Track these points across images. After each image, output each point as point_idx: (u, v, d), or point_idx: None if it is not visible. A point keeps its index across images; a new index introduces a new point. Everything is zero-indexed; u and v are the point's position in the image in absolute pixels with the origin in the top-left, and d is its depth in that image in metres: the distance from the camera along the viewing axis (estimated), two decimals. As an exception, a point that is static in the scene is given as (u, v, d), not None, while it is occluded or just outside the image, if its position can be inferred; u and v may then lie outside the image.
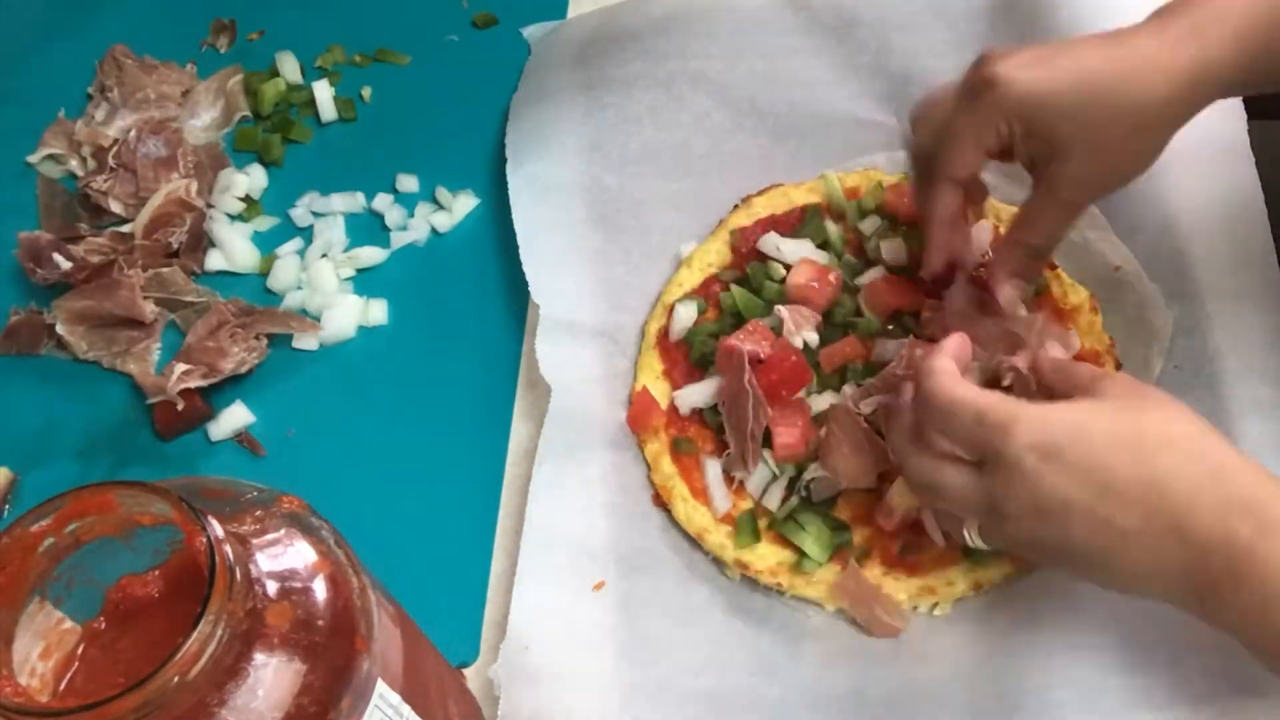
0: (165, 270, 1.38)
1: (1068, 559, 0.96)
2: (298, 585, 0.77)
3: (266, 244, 1.44)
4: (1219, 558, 0.89)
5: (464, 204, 1.44)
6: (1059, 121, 1.06)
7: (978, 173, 1.15)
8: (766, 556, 1.16)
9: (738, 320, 1.25)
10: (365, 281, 1.41)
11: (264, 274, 1.42)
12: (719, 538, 1.17)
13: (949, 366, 1.01)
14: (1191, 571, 0.91)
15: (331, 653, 0.76)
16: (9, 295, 1.42)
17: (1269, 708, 1.02)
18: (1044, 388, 1.07)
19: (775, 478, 1.18)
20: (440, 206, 1.45)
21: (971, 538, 1.04)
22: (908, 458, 1.04)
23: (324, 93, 1.54)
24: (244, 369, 1.32)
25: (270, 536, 0.79)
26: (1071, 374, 1.03)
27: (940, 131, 1.13)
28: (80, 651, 0.78)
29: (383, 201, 1.46)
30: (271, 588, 0.76)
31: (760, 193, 1.34)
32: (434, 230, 1.43)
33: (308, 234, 1.44)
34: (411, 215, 1.45)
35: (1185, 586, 0.92)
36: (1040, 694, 1.05)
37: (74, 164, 1.51)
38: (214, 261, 1.43)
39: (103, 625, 0.78)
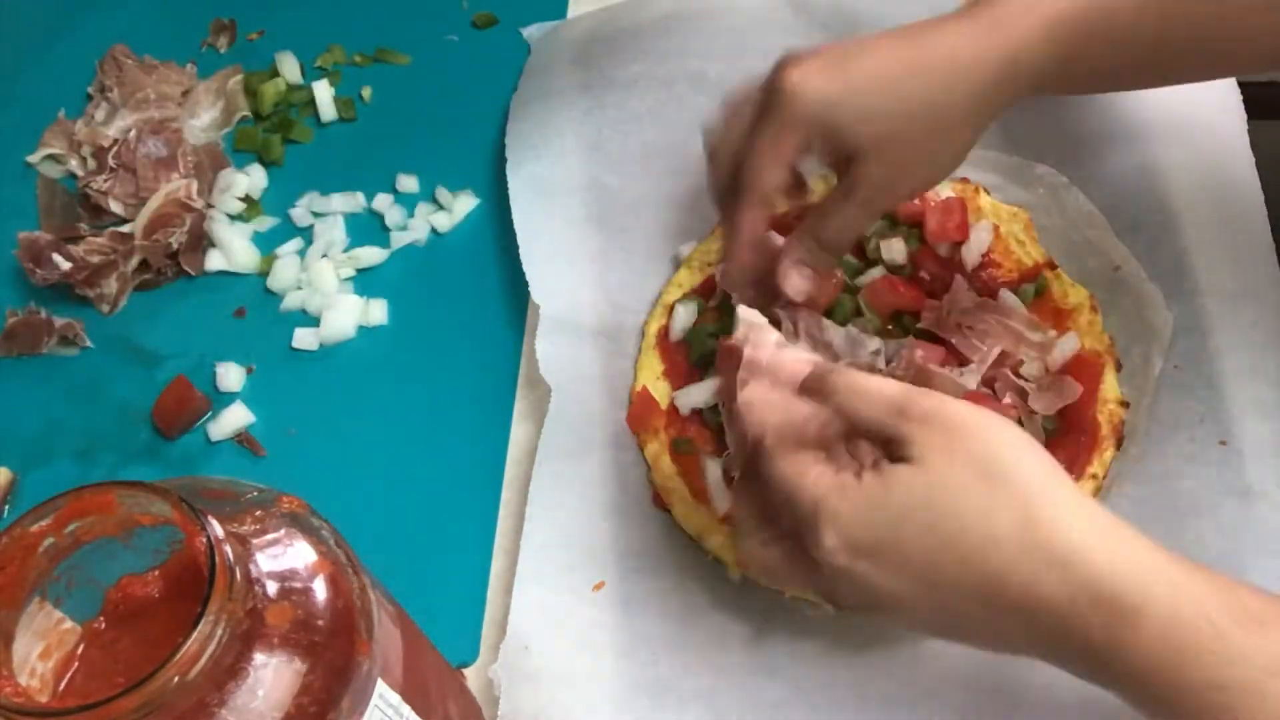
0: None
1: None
2: (298, 585, 0.77)
3: (266, 244, 1.45)
4: (1075, 644, 0.83)
5: (464, 204, 1.44)
6: (853, 125, 1.05)
7: (782, 185, 1.12)
8: None
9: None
10: (365, 281, 1.41)
11: (264, 274, 1.42)
12: (719, 538, 1.17)
13: (783, 432, 0.94)
14: (1050, 643, 0.85)
15: (331, 653, 0.76)
16: (8, 296, 1.42)
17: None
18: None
19: (776, 478, 1.18)
20: (440, 206, 1.45)
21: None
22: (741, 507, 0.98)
23: (324, 93, 1.54)
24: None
25: (270, 536, 0.79)
26: (883, 422, 0.90)
27: (737, 151, 1.12)
28: (80, 651, 0.78)
29: (383, 201, 1.46)
30: (271, 588, 0.76)
31: None
32: (434, 230, 1.44)
33: (308, 234, 1.45)
34: (411, 215, 1.45)
35: (1047, 651, 0.86)
36: (1040, 693, 1.05)
37: (74, 164, 1.52)
38: (214, 261, 1.43)
39: (103, 625, 0.79)
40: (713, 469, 1.19)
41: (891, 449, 0.87)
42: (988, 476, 0.84)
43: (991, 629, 0.86)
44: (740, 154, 1.11)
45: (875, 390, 0.90)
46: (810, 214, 1.13)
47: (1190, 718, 0.80)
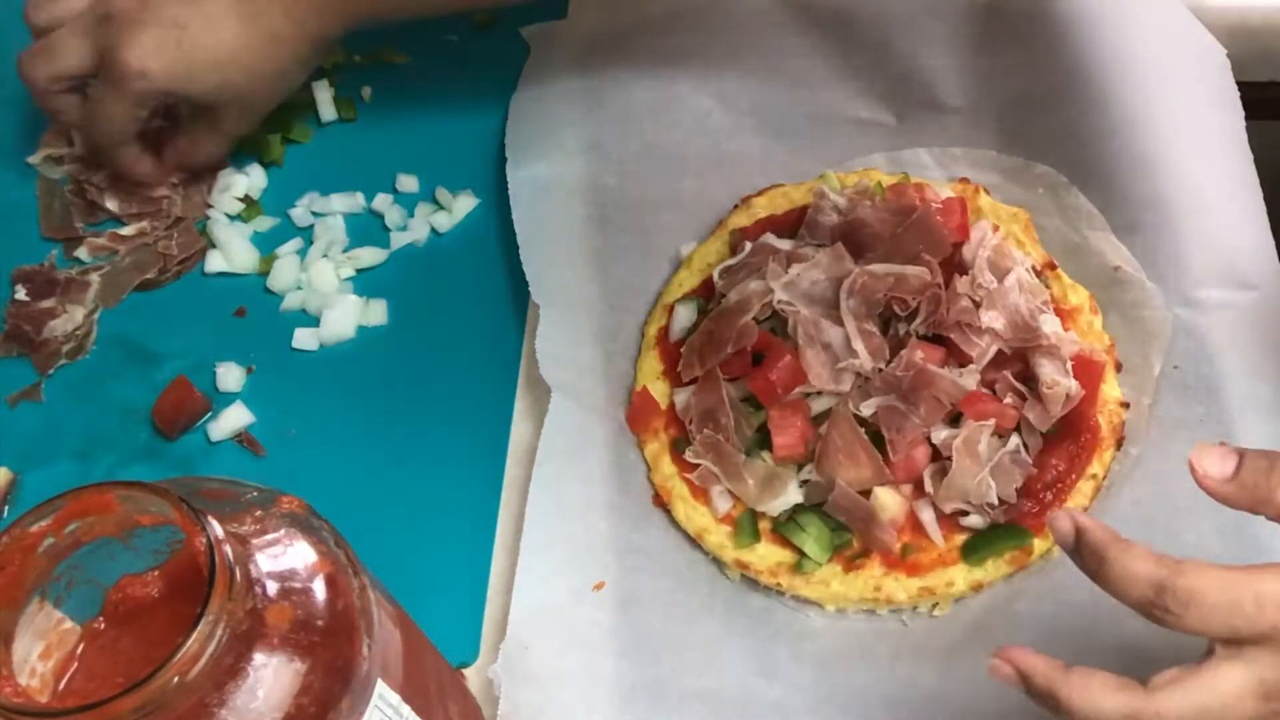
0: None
1: None
2: (297, 585, 0.77)
3: (266, 244, 1.45)
4: None
5: (464, 204, 1.45)
6: (205, 95, 1.31)
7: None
8: (766, 556, 1.16)
9: (737, 320, 1.24)
10: (365, 281, 1.42)
11: (264, 274, 1.42)
12: (719, 538, 1.17)
13: None
14: None
15: (331, 653, 0.76)
16: (9, 295, 1.42)
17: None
18: None
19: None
20: (440, 206, 1.45)
21: None
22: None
23: (323, 93, 1.54)
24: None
25: (270, 537, 0.79)
26: None
27: (87, 112, 1.35)
28: (80, 651, 0.78)
29: (382, 201, 1.46)
30: (271, 588, 0.76)
31: (760, 193, 1.35)
32: (434, 230, 1.44)
33: (307, 234, 1.45)
34: (411, 215, 1.45)
35: None
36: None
37: (72, 166, 1.52)
38: (213, 263, 1.43)
39: (102, 625, 0.79)
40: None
41: None
42: None
43: None
44: (89, 115, 1.35)
45: None
46: (180, 143, 1.41)
47: None
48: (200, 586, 0.70)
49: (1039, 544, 1.14)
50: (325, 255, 1.42)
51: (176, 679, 0.68)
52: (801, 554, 1.15)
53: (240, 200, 1.48)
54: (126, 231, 1.46)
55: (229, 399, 1.34)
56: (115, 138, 1.33)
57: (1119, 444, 1.18)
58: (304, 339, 1.37)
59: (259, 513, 0.80)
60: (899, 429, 1.14)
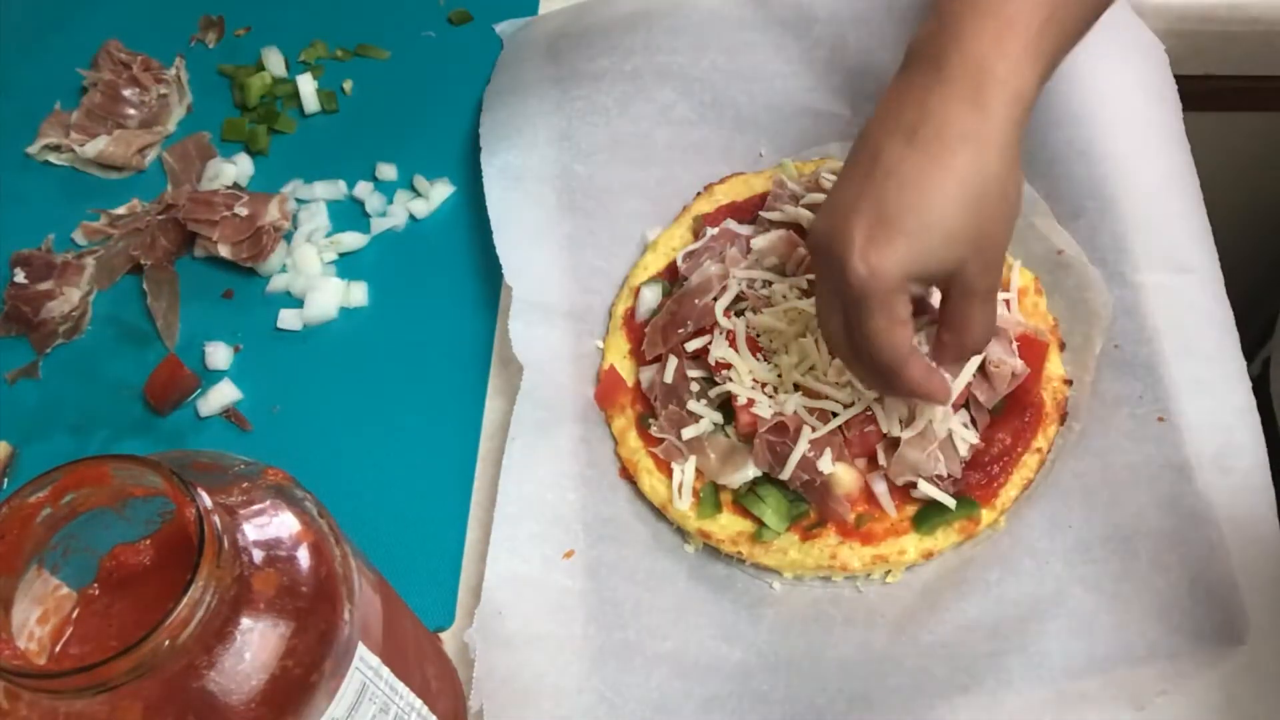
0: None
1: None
2: (282, 554, 0.80)
3: (252, 229, 1.46)
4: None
5: (440, 191, 1.47)
6: (942, 267, 1.03)
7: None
8: (727, 526, 1.19)
9: (700, 302, 1.27)
10: (347, 265, 1.45)
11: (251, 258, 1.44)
12: (682, 508, 1.20)
13: None
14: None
15: (314, 618, 0.79)
16: (8, 278, 1.45)
17: (1206, 669, 1.07)
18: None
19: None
20: (418, 194, 1.48)
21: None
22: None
23: (307, 86, 1.56)
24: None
25: (256, 507, 0.82)
26: None
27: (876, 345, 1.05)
28: (76, 616, 0.81)
29: (363, 189, 1.49)
30: (258, 556, 0.79)
31: (722, 180, 1.38)
32: (412, 216, 1.47)
33: (292, 220, 1.47)
34: (390, 202, 1.48)
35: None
36: (989, 659, 1.09)
37: (68, 154, 1.55)
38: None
39: (97, 591, 0.82)
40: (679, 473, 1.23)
41: None
42: None
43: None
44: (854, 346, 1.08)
45: None
46: (945, 333, 1.10)
47: None
48: (190, 554, 0.73)
49: (986, 514, 1.17)
50: (309, 240, 1.45)
51: (168, 642, 0.72)
52: (761, 524, 1.18)
53: (229, 188, 1.49)
54: (120, 212, 1.49)
55: (217, 376, 1.37)
56: (902, 358, 1.05)
57: (1062, 419, 1.21)
58: (289, 319, 1.40)
59: (246, 484, 0.83)
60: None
